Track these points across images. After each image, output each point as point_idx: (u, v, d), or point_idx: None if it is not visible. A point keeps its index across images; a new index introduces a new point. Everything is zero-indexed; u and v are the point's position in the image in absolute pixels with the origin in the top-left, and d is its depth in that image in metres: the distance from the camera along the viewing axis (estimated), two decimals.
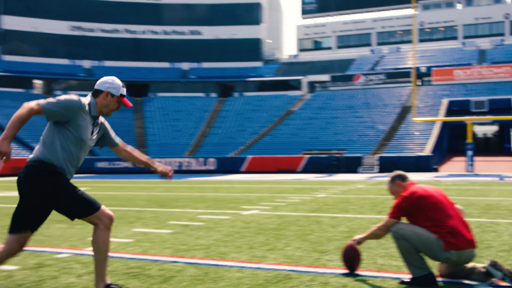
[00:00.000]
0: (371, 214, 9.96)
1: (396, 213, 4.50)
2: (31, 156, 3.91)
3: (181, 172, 38.27)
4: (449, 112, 45.40)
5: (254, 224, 8.56)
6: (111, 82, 4.12)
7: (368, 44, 72.80)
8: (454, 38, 69.65)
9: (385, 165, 34.39)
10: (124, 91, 4.15)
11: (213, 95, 60.85)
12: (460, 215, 4.50)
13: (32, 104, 3.70)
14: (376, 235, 4.65)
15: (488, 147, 53.06)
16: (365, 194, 15.20)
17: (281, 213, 10.25)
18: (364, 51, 69.74)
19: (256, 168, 37.14)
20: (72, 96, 3.91)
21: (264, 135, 46.43)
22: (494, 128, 57.56)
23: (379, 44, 72.58)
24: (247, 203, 12.62)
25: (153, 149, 45.10)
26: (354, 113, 48.41)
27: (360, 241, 4.83)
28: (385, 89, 54.23)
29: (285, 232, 7.59)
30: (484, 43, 63.88)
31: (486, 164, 36.77)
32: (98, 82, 4.15)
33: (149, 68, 64.51)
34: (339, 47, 74.42)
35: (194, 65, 66.10)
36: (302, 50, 76.22)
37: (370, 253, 5.90)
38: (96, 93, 4.08)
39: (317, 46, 76.76)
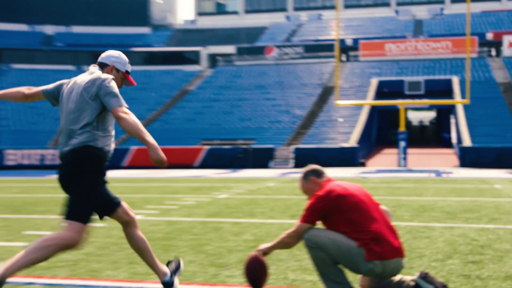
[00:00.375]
0: (283, 218, 10.16)
1: (310, 216, 4.59)
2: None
3: (43, 167, 37.08)
4: (379, 95, 47.27)
5: None
6: (117, 57, 4.84)
7: (283, 9, 74.10)
8: (386, 4, 72.50)
9: (302, 159, 35.22)
10: (129, 67, 4.89)
11: (87, 68, 59.41)
12: (386, 218, 4.67)
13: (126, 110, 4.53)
14: (285, 243, 4.72)
15: (424, 137, 55.91)
16: (276, 194, 15.48)
17: (171, 218, 10.22)
18: (278, 18, 70.92)
19: (141, 163, 36.73)
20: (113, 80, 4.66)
21: (152, 121, 45.98)
22: (432, 115, 60.69)
23: (297, 9, 74.08)
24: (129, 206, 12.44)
25: (5, 138, 43.29)
26: (265, 94, 49.12)
27: (266, 252, 4.89)
28: (303, 65, 55.46)
29: (176, 242, 7.58)
30: (421, 12, 67.04)
31: (421, 158, 38.68)
32: (103, 55, 4.85)
33: (0, 31, 61.72)
34: (247, 11, 75.16)
35: (62, 29, 64.07)
36: (201, 14, 76.23)
37: (280, 266, 6.01)
38: (101, 66, 4.80)
39: (220, 9, 77.04)
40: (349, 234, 4.48)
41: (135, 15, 66.21)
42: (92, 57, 60.84)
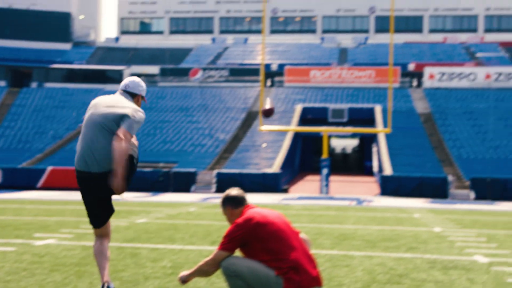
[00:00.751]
0: (203, 244, 10.12)
1: (228, 244, 4.60)
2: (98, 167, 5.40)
3: None
4: (303, 121, 48.00)
5: (49, 257, 8.24)
6: (143, 86, 5.76)
7: (209, 31, 74.49)
8: (312, 31, 74.00)
9: (225, 184, 35.19)
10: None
11: (2, 83, 57.71)
12: (305, 247, 4.73)
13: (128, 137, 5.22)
14: (204, 271, 4.70)
15: (346, 165, 56.97)
16: (197, 220, 15.41)
17: (87, 243, 10.01)
18: (203, 40, 71.19)
19: (58, 183, 35.85)
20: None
21: (70, 141, 45.07)
22: (354, 143, 62.02)
23: (223, 32, 74.62)
24: (42, 229, 12.14)
25: None
26: (189, 117, 49.06)
27: (185, 280, 4.86)
28: (228, 88, 55.75)
29: (91, 268, 7.42)
30: (346, 41, 68.72)
31: (343, 185, 39.37)
32: (129, 84, 5.71)
33: None
34: (173, 32, 75.16)
35: None
36: (125, 32, 75.64)
37: None
38: (131, 96, 5.63)
39: (145, 29, 76.73)
40: (268, 263, 4.50)
41: (56, 30, 65.07)
42: (8, 72, 59.36)
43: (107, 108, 5.44)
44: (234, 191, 5.05)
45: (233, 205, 4.87)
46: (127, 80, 5.80)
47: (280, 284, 4.45)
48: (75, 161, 5.63)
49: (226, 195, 4.99)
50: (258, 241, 4.57)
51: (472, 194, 34.02)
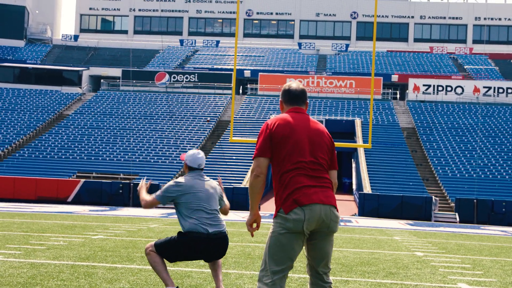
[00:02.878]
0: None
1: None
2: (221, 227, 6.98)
3: None
4: None
5: None
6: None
7: (177, 33, 74.45)
8: (289, 36, 74.34)
9: None
10: None
11: None
12: None
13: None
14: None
15: None
16: (159, 237, 15.33)
17: (36, 260, 9.89)
18: (171, 41, 71.14)
19: (4, 194, 35.46)
20: None
21: (20, 147, 44.62)
22: None
23: (192, 34, 74.61)
24: None
25: None
26: (153, 124, 48.89)
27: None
28: (196, 95, 55.69)
29: None
30: (325, 47, 69.16)
31: None
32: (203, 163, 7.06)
33: None
34: (137, 31, 74.98)
35: None
36: (84, 30, 75.26)
37: None
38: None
39: (107, 27, 76.39)
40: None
41: (8, 25, 64.58)
42: None
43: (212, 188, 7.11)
44: (294, 84, 5.11)
45: (283, 98, 5.10)
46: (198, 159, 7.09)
47: None
48: (193, 228, 6.76)
49: (284, 86, 5.12)
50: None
51: (457, 216, 34.36)
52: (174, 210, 26.21)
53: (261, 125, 47.61)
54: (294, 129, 4.85)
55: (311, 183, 4.78)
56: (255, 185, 4.86)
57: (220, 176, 39.85)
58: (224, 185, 37.13)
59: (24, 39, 66.27)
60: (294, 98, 5.06)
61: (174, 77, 57.78)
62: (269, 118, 49.01)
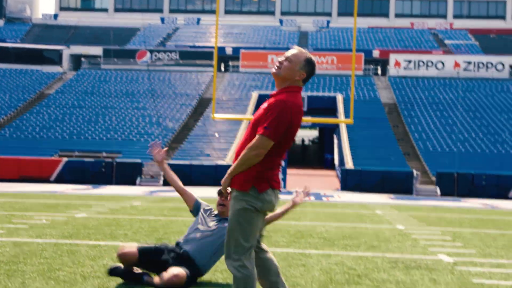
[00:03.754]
0: (147, 241, 10.06)
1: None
2: None
3: None
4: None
5: None
6: None
7: (158, 10, 73.93)
8: (270, 13, 74.03)
9: None
10: None
11: None
12: None
13: None
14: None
15: (305, 158, 57.35)
16: (142, 215, 15.34)
17: (19, 239, 9.87)
18: (152, 19, 70.64)
19: None
20: None
21: (1, 127, 44.30)
22: (314, 134, 62.42)
23: (173, 11, 74.12)
24: None
25: None
26: (135, 102, 48.69)
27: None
28: (178, 73, 55.48)
29: (23, 266, 7.32)
30: (307, 24, 69.01)
31: (301, 179, 39.59)
32: None
33: None
34: (118, 10, 74.34)
35: None
36: (64, 9, 74.54)
37: None
38: None
39: (87, 5, 75.71)
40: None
41: None
42: None
43: None
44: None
45: (307, 70, 4.88)
46: None
47: None
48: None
49: (307, 56, 4.87)
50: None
51: (438, 190, 34.62)
52: (157, 188, 26.30)
53: (244, 102, 47.67)
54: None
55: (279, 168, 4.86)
56: (250, 162, 4.66)
57: (201, 152, 39.90)
58: (206, 161, 37.25)
59: (3, 18, 65.56)
60: (312, 76, 4.98)
61: (155, 55, 57.45)
62: (250, 95, 49.00)
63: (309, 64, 4.84)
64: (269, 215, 6.29)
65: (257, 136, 4.67)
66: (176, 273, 6.31)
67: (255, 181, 4.72)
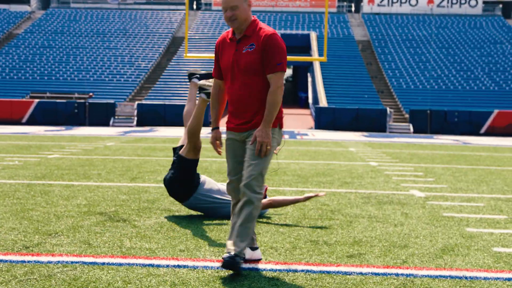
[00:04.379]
0: (121, 181, 10.08)
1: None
2: None
3: None
4: None
5: None
6: None
7: None
8: None
9: (146, 116, 34.99)
10: None
11: None
12: None
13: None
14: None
15: None
16: (116, 155, 15.32)
17: None
18: None
19: None
20: None
21: None
22: (288, 72, 62.19)
23: None
24: None
25: None
26: (106, 42, 48.06)
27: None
28: (150, 11, 54.72)
29: None
30: None
31: None
32: None
33: None
34: None
35: None
36: None
37: (115, 233, 5.98)
38: None
39: None
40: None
41: None
42: None
43: None
44: None
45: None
46: None
47: None
48: None
49: None
50: None
51: (411, 127, 34.91)
52: (131, 129, 26.14)
53: (215, 41, 47.24)
54: None
55: None
56: (279, 103, 4.81)
57: (177, 92, 39.72)
58: (179, 101, 37.14)
59: None
60: None
61: None
62: (219, 34, 48.57)
63: None
64: (282, 198, 7.15)
65: (273, 75, 4.77)
66: None
67: (278, 119, 4.92)
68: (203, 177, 7.07)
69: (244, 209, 4.76)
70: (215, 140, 5.18)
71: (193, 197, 6.89)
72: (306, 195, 7.08)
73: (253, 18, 4.90)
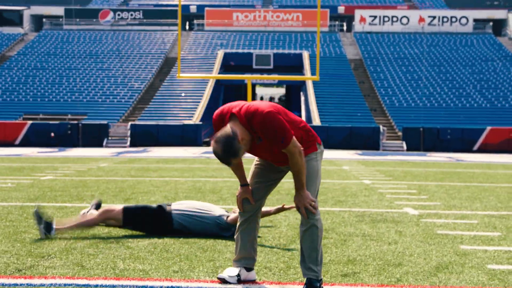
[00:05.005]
0: (114, 202, 10.06)
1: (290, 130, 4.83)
2: None
3: None
4: (226, 68, 47.85)
5: None
6: None
7: None
8: None
9: (140, 137, 34.97)
10: None
11: None
12: None
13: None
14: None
15: None
16: (109, 176, 15.29)
17: None
18: None
19: None
20: None
21: None
22: (281, 91, 62.46)
23: None
24: None
25: None
26: (99, 63, 48.14)
27: None
28: (142, 32, 54.88)
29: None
30: None
31: None
32: None
33: None
34: None
35: None
36: None
37: (108, 254, 5.95)
38: None
39: None
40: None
41: None
42: None
43: None
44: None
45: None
46: None
47: None
48: None
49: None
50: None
51: (404, 145, 34.98)
52: (124, 149, 26.09)
53: (210, 61, 47.32)
54: None
55: None
56: (303, 163, 4.77)
57: (168, 112, 39.74)
58: (173, 121, 37.16)
59: None
60: None
61: (118, 15, 56.68)
62: (216, 54, 48.68)
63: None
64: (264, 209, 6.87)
65: (287, 149, 4.70)
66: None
67: (314, 141, 5.03)
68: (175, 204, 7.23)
69: (308, 233, 4.84)
70: (245, 197, 5.06)
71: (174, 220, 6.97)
72: (277, 206, 7.16)
73: (236, 113, 4.71)
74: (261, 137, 4.72)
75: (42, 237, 6.71)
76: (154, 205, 7.19)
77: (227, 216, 6.99)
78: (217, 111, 4.84)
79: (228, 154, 4.53)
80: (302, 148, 4.75)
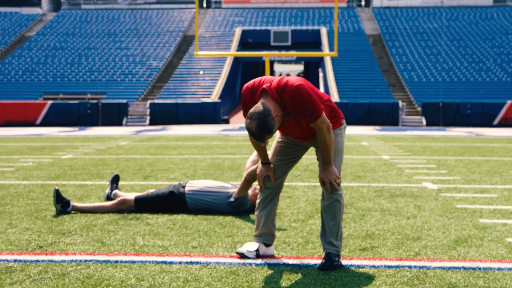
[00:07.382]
0: (134, 180, 10.11)
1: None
2: None
3: None
4: (243, 45, 47.71)
5: None
6: None
7: None
8: None
9: (159, 115, 35.05)
10: None
11: None
12: None
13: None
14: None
15: None
16: (128, 154, 15.35)
17: (5, 182, 9.88)
18: None
19: None
20: None
21: None
22: (299, 68, 62.20)
23: None
24: None
25: None
26: (117, 42, 48.18)
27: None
28: (160, 10, 54.80)
29: (10, 208, 7.34)
30: None
31: None
32: None
33: None
34: None
35: None
36: None
37: (128, 231, 5.99)
38: None
39: None
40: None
41: None
42: None
43: None
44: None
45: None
46: None
47: None
48: None
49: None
50: None
51: (423, 120, 34.77)
52: (143, 128, 26.13)
53: (227, 38, 47.24)
54: None
55: None
56: (332, 138, 4.73)
57: (187, 90, 39.76)
58: (191, 99, 37.18)
59: None
60: None
61: None
62: (233, 31, 48.54)
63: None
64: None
65: (316, 123, 4.65)
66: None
67: (338, 117, 5.02)
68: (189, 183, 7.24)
69: (331, 208, 4.85)
70: (266, 174, 5.04)
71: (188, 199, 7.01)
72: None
73: (267, 88, 4.65)
74: (290, 113, 4.69)
75: (57, 213, 7.01)
76: (166, 191, 7.10)
77: (234, 192, 7.02)
78: (247, 84, 4.82)
79: (263, 130, 4.50)
80: (330, 124, 4.74)
